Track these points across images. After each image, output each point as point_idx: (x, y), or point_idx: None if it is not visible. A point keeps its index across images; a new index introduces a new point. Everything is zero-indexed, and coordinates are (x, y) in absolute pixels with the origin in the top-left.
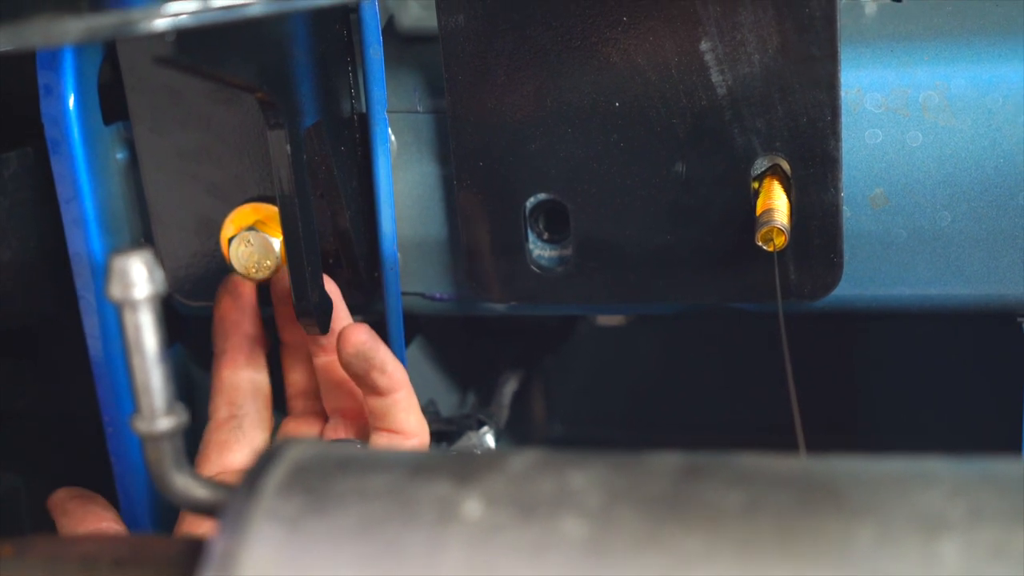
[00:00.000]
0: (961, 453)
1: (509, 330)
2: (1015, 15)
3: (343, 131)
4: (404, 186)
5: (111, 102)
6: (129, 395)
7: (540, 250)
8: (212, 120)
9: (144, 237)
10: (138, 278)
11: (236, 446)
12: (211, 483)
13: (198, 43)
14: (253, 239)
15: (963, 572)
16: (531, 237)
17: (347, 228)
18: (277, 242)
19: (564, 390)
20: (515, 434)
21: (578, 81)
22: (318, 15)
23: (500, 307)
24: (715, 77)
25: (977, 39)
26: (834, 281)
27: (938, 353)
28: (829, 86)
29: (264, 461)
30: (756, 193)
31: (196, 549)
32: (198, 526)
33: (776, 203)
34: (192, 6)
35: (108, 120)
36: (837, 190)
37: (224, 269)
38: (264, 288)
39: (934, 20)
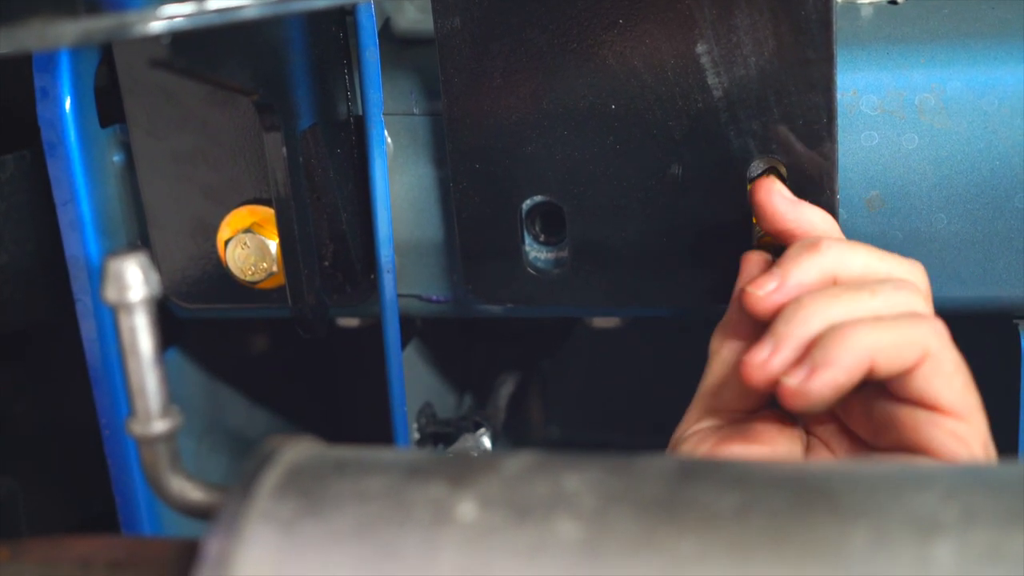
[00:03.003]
0: None
1: (506, 332)
2: (1011, 18)
3: (339, 134)
4: (400, 188)
5: (107, 105)
6: (126, 398)
7: (536, 252)
8: (208, 123)
9: (140, 240)
10: (133, 281)
11: None
12: (206, 485)
13: (194, 46)
14: (249, 241)
15: (957, 574)
16: (527, 239)
17: (343, 230)
18: (273, 244)
19: (561, 392)
20: (512, 436)
21: (574, 83)
22: (314, 18)
23: (496, 309)
24: (711, 79)
25: (973, 42)
26: None
27: None
28: (825, 88)
29: (259, 463)
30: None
31: (191, 551)
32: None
33: None
34: (187, 9)
35: (104, 123)
36: (833, 192)
37: (220, 271)
38: (262, 290)
39: (930, 23)
